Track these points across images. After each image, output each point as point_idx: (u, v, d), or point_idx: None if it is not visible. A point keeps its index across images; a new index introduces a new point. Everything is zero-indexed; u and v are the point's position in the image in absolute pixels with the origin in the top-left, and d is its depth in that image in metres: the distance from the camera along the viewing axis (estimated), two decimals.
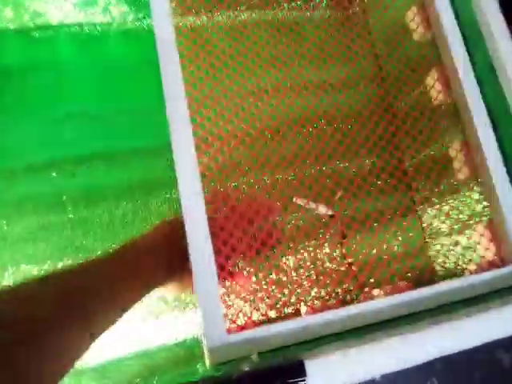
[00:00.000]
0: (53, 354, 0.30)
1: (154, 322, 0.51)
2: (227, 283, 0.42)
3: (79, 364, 0.48)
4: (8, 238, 0.52)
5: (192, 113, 0.44)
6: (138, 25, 0.61)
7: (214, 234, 0.39)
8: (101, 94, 0.59)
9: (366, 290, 0.47)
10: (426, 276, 0.47)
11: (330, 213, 0.54)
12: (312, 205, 0.54)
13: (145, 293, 0.40)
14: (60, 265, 0.52)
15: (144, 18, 0.61)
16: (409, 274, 0.49)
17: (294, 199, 0.54)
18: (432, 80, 0.51)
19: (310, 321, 0.38)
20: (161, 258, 0.42)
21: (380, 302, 0.40)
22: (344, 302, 0.44)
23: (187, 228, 0.37)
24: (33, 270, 0.51)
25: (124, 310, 0.38)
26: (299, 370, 0.33)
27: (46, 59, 0.58)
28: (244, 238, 0.40)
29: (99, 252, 0.53)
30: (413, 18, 0.51)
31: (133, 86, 0.60)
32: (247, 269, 0.41)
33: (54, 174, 0.54)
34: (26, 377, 0.28)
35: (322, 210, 0.54)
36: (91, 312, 0.35)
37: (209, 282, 0.37)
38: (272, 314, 0.47)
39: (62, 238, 0.53)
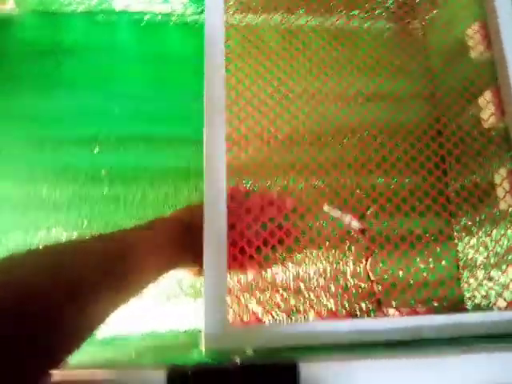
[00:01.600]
0: (90, 310, 0.32)
1: (166, 306, 0.52)
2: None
3: None
4: (45, 202, 0.54)
5: (237, 110, 0.44)
6: (197, 18, 0.63)
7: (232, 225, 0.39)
8: (152, 80, 0.61)
9: (382, 306, 0.44)
10: (457, 309, 0.44)
11: (361, 227, 0.52)
12: (344, 217, 0.52)
13: (171, 268, 0.41)
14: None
15: (202, 11, 0.62)
16: (435, 304, 0.46)
17: (326, 208, 0.52)
18: (485, 102, 0.48)
19: (313, 327, 0.36)
20: (186, 239, 0.42)
21: (391, 321, 0.37)
22: (354, 316, 0.42)
23: (206, 215, 0.38)
24: (62, 236, 0.53)
25: (152, 281, 0.39)
26: (292, 372, 0.31)
27: (106, 41, 0.61)
28: (260, 232, 0.40)
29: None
30: (473, 36, 0.48)
31: (184, 76, 0.62)
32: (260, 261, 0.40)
33: (96, 149, 0.57)
34: (61, 326, 0.29)
35: (354, 223, 0.52)
36: (128, 279, 0.36)
37: (218, 267, 0.37)
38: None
39: (94, 211, 0.55)
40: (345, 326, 0.36)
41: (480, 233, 0.50)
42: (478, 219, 0.51)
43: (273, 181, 0.54)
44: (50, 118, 0.58)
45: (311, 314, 0.41)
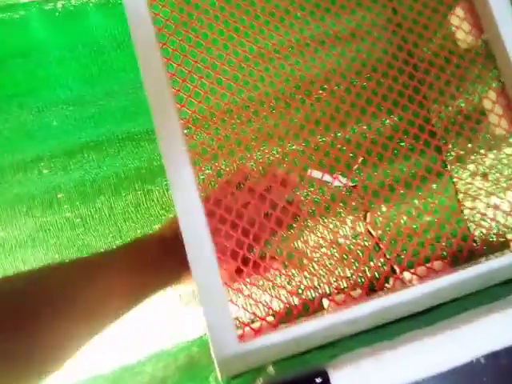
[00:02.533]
0: (48, 342, 0.30)
1: (167, 320, 0.48)
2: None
3: (94, 371, 0.45)
4: (5, 244, 0.49)
5: (177, 90, 0.38)
6: None
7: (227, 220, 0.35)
8: (85, 76, 0.53)
9: (397, 270, 0.41)
10: (464, 248, 0.41)
11: (350, 184, 0.48)
12: (329, 177, 0.48)
13: (150, 291, 0.39)
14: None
15: None
16: (444, 248, 0.43)
17: (309, 172, 0.48)
18: (458, 20, 0.43)
19: (333, 319, 0.33)
20: (167, 257, 0.39)
21: (413, 291, 0.34)
22: (371, 290, 0.39)
23: (182, 226, 0.33)
24: None
25: (125, 308, 0.36)
26: (323, 382, 0.28)
27: (20, 43, 0.53)
28: (257, 219, 0.36)
29: (102, 250, 0.49)
30: None
31: (119, 63, 0.54)
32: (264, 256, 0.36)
33: (45, 171, 0.50)
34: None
35: (341, 181, 0.48)
36: (94, 306, 0.34)
37: (212, 281, 0.33)
38: (294, 301, 0.43)
39: (62, 239, 0.49)
40: (365, 309, 0.33)
41: (477, 162, 0.47)
42: (471, 148, 0.47)
43: (249, 156, 0.49)
44: None
45: (325, 302, 0.38)
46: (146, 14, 0.38)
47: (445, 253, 0.41)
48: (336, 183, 0.47)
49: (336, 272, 0.43)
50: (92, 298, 0.33)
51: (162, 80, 0.37)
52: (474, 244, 0.45)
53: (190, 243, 0.34)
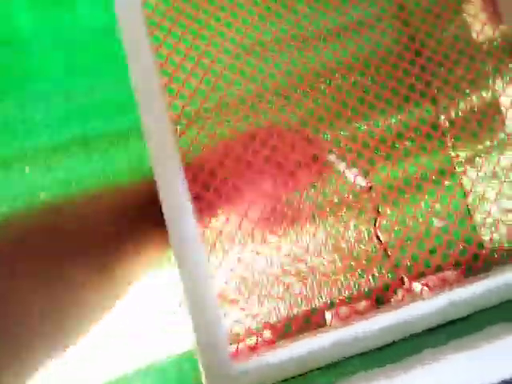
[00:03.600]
0: None
1: (156, 331, 0.45)
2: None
3: None
4: None
5: (167, 81, 0.35)
6: None
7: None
8: (71, 68, 0.50)
9: (406, 280, 0.38)
10: (480, 256, 0.38)
11: (367, 184, 0.44)
12: (349, 171, 0.44)
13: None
14: None
15: None
16: (457, 256, 0.40)
17: (332, 157, 0.44)
18: (475, 9, 0.39)
19: (337, 336, 0.30)
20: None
21: (424, 305, 0.31)
22: (378, 302, 0.35)
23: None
24: None
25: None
26: None
27: (2, 33, 0.49)
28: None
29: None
30: None
31: (108, 54, 0.51)
32: None
33: (26, 169, 0.47)
34: None
35: (359, 180, 0.44)
36: None
37: (203, 291, 0.30)
38: (293, 314, 0.40)
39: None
40: (372, 325, 0.30)
41: (487, 162, 0.44)
42: (484, 148, 0.44)
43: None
44: None
45: (328, 315, 0.35)
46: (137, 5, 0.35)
47: (458, 262, 0.37)
48: (355, 180, 0.44)
49: (340, 281, 0.40)
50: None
51: (149, 69, 0.33)
52: (490, 252, 0.41)
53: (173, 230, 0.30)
